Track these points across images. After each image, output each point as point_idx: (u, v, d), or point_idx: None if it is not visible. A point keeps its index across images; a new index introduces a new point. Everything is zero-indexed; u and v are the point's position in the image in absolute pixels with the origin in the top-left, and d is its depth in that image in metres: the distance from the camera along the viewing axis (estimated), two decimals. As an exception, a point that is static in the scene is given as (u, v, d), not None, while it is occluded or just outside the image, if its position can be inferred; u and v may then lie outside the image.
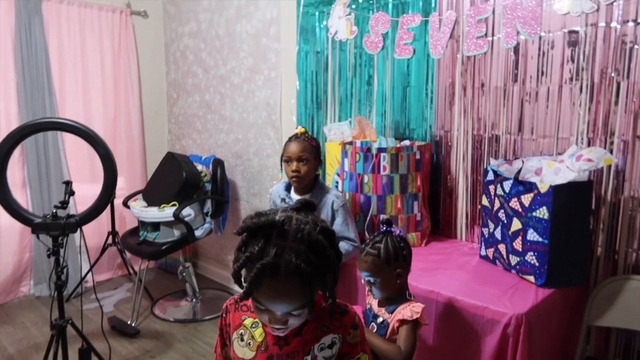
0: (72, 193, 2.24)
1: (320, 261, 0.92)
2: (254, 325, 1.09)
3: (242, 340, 1.09)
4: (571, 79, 1.96)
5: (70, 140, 3.54)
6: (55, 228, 2.15)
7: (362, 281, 1.63)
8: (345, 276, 2.07)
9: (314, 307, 1.02)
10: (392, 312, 1.57)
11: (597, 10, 1.86)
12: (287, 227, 0.93)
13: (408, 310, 1.52)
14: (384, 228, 1.61)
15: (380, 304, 1.64)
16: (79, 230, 2.24)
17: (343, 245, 2.06)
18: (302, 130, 2.19)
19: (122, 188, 3.83)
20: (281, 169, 2.20)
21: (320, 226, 0.96)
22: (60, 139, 3.58)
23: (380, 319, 1.60)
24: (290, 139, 2.16)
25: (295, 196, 2.17)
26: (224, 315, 1.14)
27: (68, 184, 2.25)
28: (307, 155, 2.10)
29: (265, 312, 0.96)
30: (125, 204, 3.40)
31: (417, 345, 1.79)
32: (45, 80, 3.45)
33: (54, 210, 2.18)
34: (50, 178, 3.53)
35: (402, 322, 1.52)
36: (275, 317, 0.95)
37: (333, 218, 2.10)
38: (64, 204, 2.18)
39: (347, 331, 1.04)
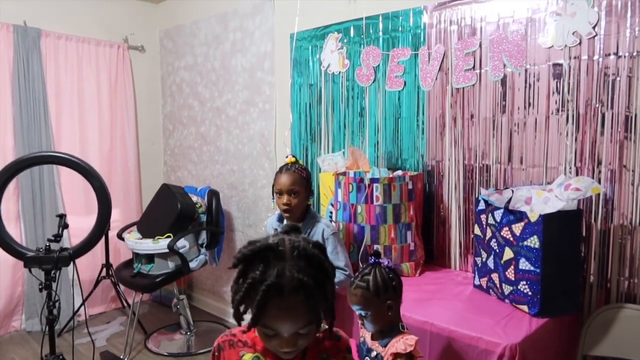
0: (65, 226, 2.25)
1: (320, 273, 0.95)
2: None
3: None
4: (557, 110, 2.01)
5: (66, 173, 3.56)
6: (48, 262, 2.15)
7: (357, 317, 1.62)
8: (338, 308, 2.06)
9: (320, 325, 1.02)
10: (385, 346, 1.55)
11: (580, 43, 1.92)
12: (282, 248, 0.96)
13: (402, 344, 1.50)
14: (372, 260, 1.59)
15: (373, 337, 1.61)
16: (72, 263, 2.24)
17: (338, 276, 2.05)
18: (292, 160, 2.20)
19: (117, 220, 3.83)
20: (273, 199, 2.21)
21: (311, 242, 1.00)
22: (56, 171, 3.60)
23: (374, 353, 1.58)
24: (280, 170, 2.18)
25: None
26: (216, 353, 1.12)
27: (62, 217, 2.25)
28: (298, 187, 2.12)
29: (273, 338, 0.97)
30: (119, 236, 3.39)
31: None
32: (42, 114, 3.49)
33: (47, 244, 2.18)
34: (44, 211, 3.53)
35: (396, 355, 1.50)
36: (285, 340, 0.95)
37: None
38: (58, 237, 2.18)
39: (343, 355, 1.06)
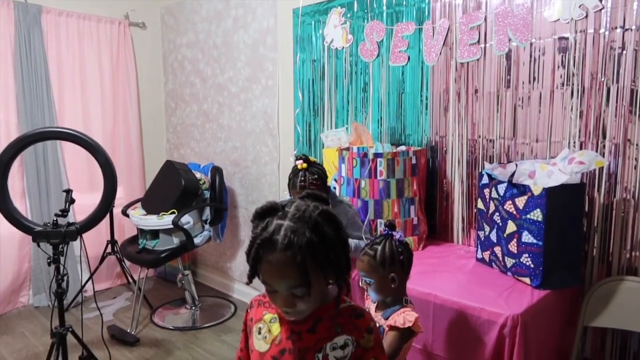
0: (72, 201, 2.27)
1: (317, 239, 0.97)
2: (272, 321, 1.11)
3: (259, 333, 1.12)
4: (562, 84, 2.00)
5: (69, 150, 3.57)
6: (56, 236, 2.17)
7: (360, 283, 1.65)
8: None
9: (322, 295, 1.04)
10: (387, 318, 1.57)
11: (586, 17, 1.91)
12: (287, 209, 1.01)
13: (401, 318, 1.51)
14: (386, 231, 1.61)
15: (377, 309, 1.64)
16: (78, 239, 2.26)
17: (357, 242, 2.06)
18: (304, 166, 2.02)
19: (121, 197, 3.84)
20: (289, 193, 2.12)
21: (321, 209, 1.02)
22: (60, 148, 3.61)
23: (377, 325, 1.61)
24: (293, 184, 2.03)
25: None
26: (248, 310, 1.18)
27: (68, 192, 2.27)
28: None
29: (273, 295, 1.01)
30: (124, 212, 3.42)
31: (414, 348, 1.82)
32: (44, 91, 3.49)
33: (55, 219, 2.20)
34: (49, 188, 3.55)
35: (392, 328, 1.51)
36: (282, 297, 1.00)
37: (347, 227, 2.06)
38: (65, 212, 2.20)
39: (361, 334, 1.06)
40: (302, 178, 2.01)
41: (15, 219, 2.22)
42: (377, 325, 1.57)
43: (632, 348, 1.92)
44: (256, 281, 1.03)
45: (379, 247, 1.56)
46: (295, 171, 2.06)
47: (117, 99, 3.94)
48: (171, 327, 3.29)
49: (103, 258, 3.63)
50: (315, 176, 2.02)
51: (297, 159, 2.06)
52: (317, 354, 1.04)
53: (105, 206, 2.24)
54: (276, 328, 1.09)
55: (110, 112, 3.91)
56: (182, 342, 3.10)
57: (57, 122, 3.57)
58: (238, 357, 1.21)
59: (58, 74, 3.61)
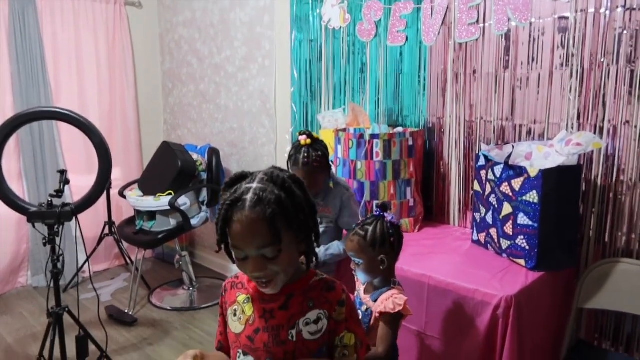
0: (67, 182, 2.25)
1: (286, 196, 0.97)
2: (245, 301, 1.11)
3: (234, 315, 1.12)
4: (561, 65, 1.98)
5: (66, 131, 3.55)
6: (51, 216, 2.16)
7: (352, 265, 1.63)
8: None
9: (293, 263, 1.04)
10: (375, 300, 1.55)
11: (587, -5, 1.87)
12: (256, 175, 1.02)
13: (390, 303, 1.49)
14: (378, 212, 1.58)
15: (366, 290, 1.63)
16: (75, 220, 2.26)
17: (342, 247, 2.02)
18: (308, 141, 1.91)
19: (118, 178, 3.84)
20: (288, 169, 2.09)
21: (289, 174, 1.02)
22: (56, 130, 3.58)
23: (364, 307, 1.60)
24: (297, 161, 1.92)
25: None
26: (223, 293, 1.18)
27: (63, 172, 2.26)
28: (319, 180, 1.96)
29: (243, 262, 1.00)
30: (121, 193, 3.41)
31: (408, 329, 1.83)
32: (40, 71, 3.45)
33: (49, 199, 2.19)
34: (46, 169, 3.54)
35: (383, 314, 1.49)
36: (252, 261, 0.98)
37: (341, 210, 2.04)
38: (59, 193, 2.19)
39: (332, 308, 1.05)
40: (306, 154, 1.90)
41: (10, 200, 2.21)
42: (366, 307, 1.57)
43: (626, 330, 1.93)
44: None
45: (370, 228, 1.54)
46: (297, 147, 1.94)
47: (114, 79, 3.90)
48: (169, 308, 3.31)
49: (101, 239, 3.64)
50: (319, 153, 1.92)
51: (300, 134, 1.95)
52: (291, 330, 1.04)
53: (100, 187, 2.23)
54: (249, 308, 1.09)
55: (106, 92, 3.87)
56: (179, 322, 3.12)
57: (53, 102, 3.54)
58: (218, 341, 1.21)
59: (53, 54, 3.57)
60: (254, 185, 0.98)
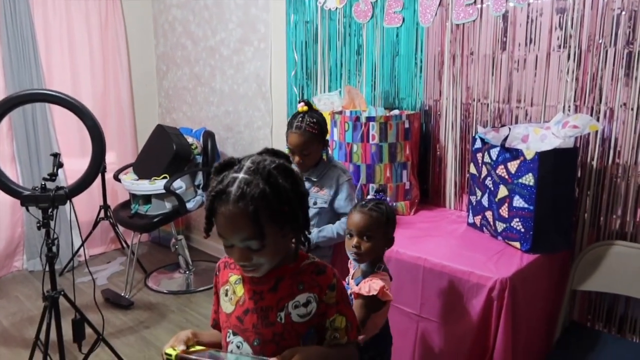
0: (60, 165, 2.23)
1: (271, 191, 0.96)
2: (237, 282, 1.12)
3: (226, 295, 1.13)
4: (559, 47, 1.96)
5: (59, 115, 3.51)
6: (44, 200, 2.15)
7: (348, 250, 1.59)
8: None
9: (279, 251, 1.03)
10: (358, 285, 1.55)
11: (586, -25, 1.85)
12: (243, 163, 1.00)
13: (367, 286, 1.49)
14: (380, 195, 1.60)
15: (353, 276, 1.63)
16: (69, 203, 2.24)
17: (344, 221, 1.98)
18: (304, 109, 1.98)
19: (113, 162, 3.82)
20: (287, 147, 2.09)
21: (277, 163, 1.00)
22: (49, 113, 3.55)
23: (349, 291, 1.57)
24: (291, 126, 1.99)
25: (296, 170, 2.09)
26: (217, 273, 1.19)
27: (56, 155, 2.23)
28: (310, 148, 1.97)
29: (230, 249, 1.01)
30: (116, 177, 3.39)
31: (403, 311, 1.83)
32: (31, 54, 3.40)
33: (43, 183, 2.18)
34: (40, 153, 3.51)
35: (358, 296, 1.49)
36: (238, 251, 0.99)
37: (337, 193, 2.03)
38: (53, 176, 2.17)
39: (323, 291, 1.05)
40: (300, 119, 1.96)
41: (3, 183, 2.19)
42: (350, 292, 1.54)
43: (619, 311, 1.95)
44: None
45: (384, 207, 1.55)
46: (295, 114, 2.01)
47: (107, 61, 3.86)
48: (165, 291, 3.32)
49: (96, 223, 3.63)
50: (314, 120, 1.96)
51: (299, 102, 2.04)
52: (280, 312, 1.04)
53: (94, 170, 2.21)
54: (240, 289, 1.10)
55: (100, 75, 3.83)
56: (176, 305, 3.13)
57: (46, 86, 3.50)
58: (213, 319, 1.22)
59: (45, 36, 3.52)
60: (240, 176, 0.97)
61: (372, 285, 1.47)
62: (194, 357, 1.02)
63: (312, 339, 1.07)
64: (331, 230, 1.99)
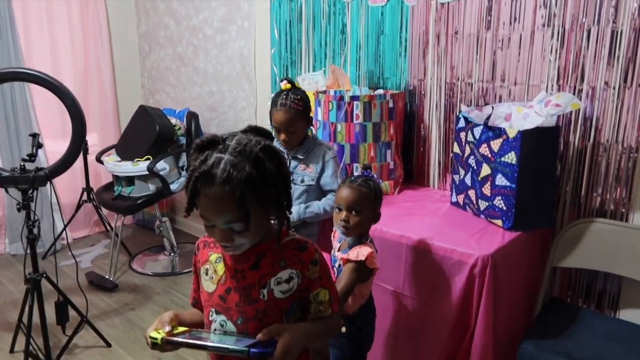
0: (39, 145, 2.19)
1: (257, 174, 0.95)
2: (217, 260, 1.11)
3: (207, 274, 1.12)
4: (543, 25, 1.96)
5: (39, 95, 3.44)
6: (24, 181, 2.11)
7: (335, 225, 1.62)
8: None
9: (261, 231, 1.03)
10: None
11: (570, -48, 1.84)
12: (228, 143, 0.97)
13: (355, 252, 1.53)
14: (368, 172, 1.64)
15: (340, 249, 1.66)
16: (49, 185, 2.21)
17: (330, 198, 2.04)
18: (288, 86, 2.00)
19: (95, 144, 3.77)
20: (271, 125, 2.07)
21: (263, 144, 0.99)
22: (28, 93, 3.47)
23: (337, 263, 1.63)
24: (275, 104, 1.99)
25: (282, 148, 2.09)
26: (196, 252, 1.18)
27: (35, 136, 2.20)
28: (295, 125, 1.98)
29: (212, 229, 1.00)
30: (98, 159, 3.35)
31: (386, 289, 1.85)
32: (9, 33, 3.31)
33: (22, 164, 2.14)
34: (19, 134, 3.45)
35: (347, 262, 1.54)
36: (220, 232, 0.99)
37: (323, 170, 2.05)
38: (32, 157, 2.13)
39: (306, 267, 1.06)
40: (284, 96, 1.97)
41: (-19, 164, 2.14)
42: (338, 264, 1.58)
43: (598, 287, 1.98)
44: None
45: (372, 183, 1.59)
46: (279, 92, 2.02)
47: (88, 41, 3.77)
48: (150, 273, 3.31)
49: (79, 206, 3.59)
50: (299, 97, 1.98)
51: (281, 80, 2.04)
52: (262, 289, 1.04)
53: (74, 150, 2.17)
54: (221, 268, 1.09)
55: (81, 56, 3.75)
56: (161, 287, 3.12)
57: (25, 65, 3.41)
58: (192, 297, 1.22)
59: (23, 14, 3.43)
60: (225, 157, 0.94)
61: (360, 252, 1.52)
62: (179, 339, 1.01)
63: (295, 313, 1.07)
64: (318, 206, 2.01)
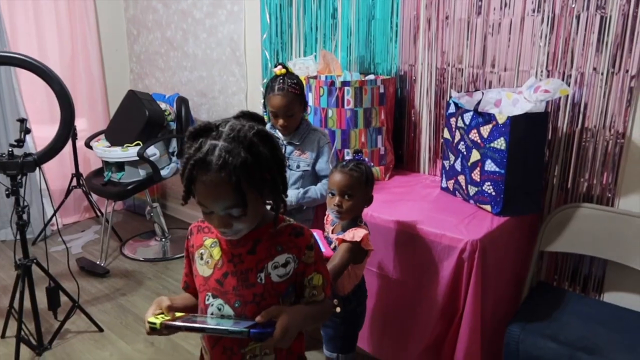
0: (27, 131, 2.17)
1: (252, 159, 0.95)
2: (212, 245, 1.12)
3: (202, 259, 1.12)
4: (533, 11, 1.96)
5: (26, 80, 3.39)
6: (13, 167, 2.10)
7: (329, 209, 1.65)
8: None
9: (258, 215, 1.04)
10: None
11: (561, -63, 1.84)
12: (222, 129, 0.98)
13: (351, 233, 1.57)
14: (358, 156, 1.67)
15: (334, 231, 1.70)
16: (38, 170, 2.20)
17: (325, 183, 2.04)
18: (283, 71, 2.00)
19: (84, 129, 3.73)
20: (265, 112, 2.09)
21: (256, 129, 0.99)
22: (15, 78, 3.41)
23: (333, 245, 1.65)
24: (272, 89, 1.99)
25: (278, 134, 2.10)
26: (188, 237, 1.18)
27: (23, 121, 2.17)
28: (294, 109, 1.99)
29: (210, 216, 1.01)
30: (87, 144, 3.32)
31: (376, 273, 1.88)
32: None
33: (10, 149, 2.12)
34: (6, 120, 3.40)
35: (343, 241, 1.57)
36: (218, 218, 0.99)
37: (318, 156, 2.07)
38: (20, 142, 2.12)
39: (302, 252, 1.08)
40: (281, 81, 1.98)
41: (-32, 150, 2.12)
42: (334, 245, 1.61)
43: (584, 271, 2.02)
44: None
45: (363, 167, 1.63)
46: (273, 78, 2.03)
47: (75, 25, 3.71)
48: (141, 259, 3.31)
49: (69, 191, 3.57)
50: (295, 81, 2.00)
51: (275, 65, 2.04)
52: (259, 273, 1.06)
53: (63, 135, 2.16)
54: (217, 252, 1.10)
55: (67, 40, 3.69)
56: (152, 272, 3.13)
57: (11, 50, 3.36)
58: (184, 281, 1.23)
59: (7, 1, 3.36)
60: (220, 143, 0.95)
61: (356, 233, 1.56)
62: (178, 323, 1.02)
63: (290, 296, 1.09)
64: (315, 191, 2.06)
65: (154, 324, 1.00)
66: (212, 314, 1.09)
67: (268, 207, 1.08)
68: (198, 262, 1.13)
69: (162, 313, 1.05)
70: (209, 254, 1.11)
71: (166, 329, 1.01)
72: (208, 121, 1.01)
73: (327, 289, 1.12)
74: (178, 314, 1.06)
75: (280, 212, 1.07)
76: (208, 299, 1.10)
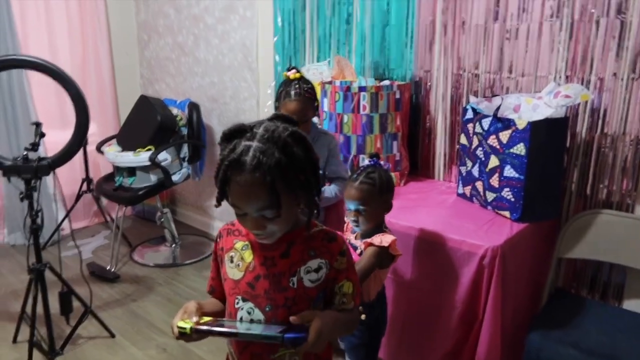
0: (42, 135, 2.17)
1: (287, 160, 0.95)
2: (244, 248, 1.10)
3: (232, 262, 1.11)
4: (552, 16, 1.95)
5: (37, 85, 3.40)
6: (27, 171, 2.09)
7: (346, 217, 1.65)
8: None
9: (291, 217, 1.03)
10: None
11: (581, -57, 1.83)
12: (256, 130, 0.97)
13: (378, 238, 1.55)
14: (374, 161, 1.64)
15: (357, 237, 1.67)
16: (52, 174, 2.19)
17: (339, 183, 2.09)
18: (298, 75, 2.01)
19: (94, 134, 3.73)
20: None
21: (290, 130, 0.99)
22: (26, 83, 3.42)
23: (359, 250, 1.63)
24: (288, 94, 1.98)
25: None
26: (217, 240, 1.17)
27: (38, 125, 2.17)
28: (308, 114, 2.00)
29: (243, 218, 1.00)
30: (99, 149, 3.32)
31: (395, 280, 1.86)
32: (5, 21, 3.26)
33: (25, 153, 2.12)
34: (18, 124, 3.41)
35: (369, 245, 1.56)
36: (252, 220, 0.99)
37: (329, 158, 2.09)
38: (35, 146, 2.11)
39: (334, 258, 1.06)
40: (297, 86, 1.98)
41: (-17, 154, 2.12)
42: (360, 251, 1.59)
43: (603, 278, 2.00)
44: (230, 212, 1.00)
45: (376, 176, 1.59)
46: (286, 82, 2.02)
47: (86, 30, 3.72)
48: (151, 265, 3.29)
49: (79, 196, 3.56)
50: (309, 86, 2.01)
51: (289, 69, 2.04)
52: (292, 277, 1.04)
53: (78, 140, 2.15)
54: (249, 255, 1.09)
55: (78, 45, 3.70)
56: (163, 278, 3.11)
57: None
58: (210, 285, 1.21)
59: (20, 3, 3.37)
60: (254, 144, 0.94)
61: (384, 238, 1.55)
62: (208, 327, 1.00)
63: (321, 302, 1.08)
64: (330, 191, 2.07)
65: (184, 328, 0.99)
66: (241, 318, 1.07)
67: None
68: (228, 265, 1.12)
69: (199, 318, 1.03)
70: (239, 257, 1.10)
71: (196, 334, 0.99)
72: (242, 123, 1.00)
73: (357, 299, 1.10)
74: (206, 318, 1.05)
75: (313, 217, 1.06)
76: (238, 302, 1.08)
